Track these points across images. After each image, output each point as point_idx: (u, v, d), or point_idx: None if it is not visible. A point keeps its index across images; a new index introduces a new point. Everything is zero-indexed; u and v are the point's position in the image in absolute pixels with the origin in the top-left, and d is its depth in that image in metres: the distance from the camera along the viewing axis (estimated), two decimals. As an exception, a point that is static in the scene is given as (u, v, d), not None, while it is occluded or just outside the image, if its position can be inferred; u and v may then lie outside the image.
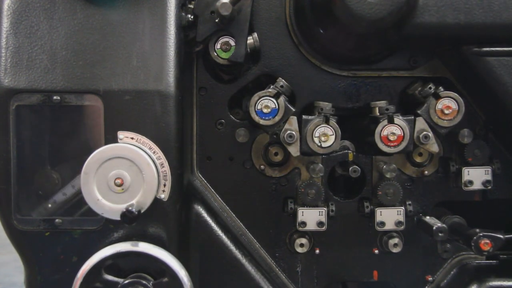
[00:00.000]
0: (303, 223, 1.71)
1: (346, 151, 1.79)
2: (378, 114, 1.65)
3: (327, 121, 1.60)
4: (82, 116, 1.55)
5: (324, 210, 1.72)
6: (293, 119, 1.61)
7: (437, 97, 1.64)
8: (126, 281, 1.50)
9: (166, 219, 1.57)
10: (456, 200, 1.85)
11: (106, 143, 1.52)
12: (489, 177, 1.76)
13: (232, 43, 1.65)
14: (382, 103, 1.66)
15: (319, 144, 1.60)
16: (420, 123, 1.63)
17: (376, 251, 1.84)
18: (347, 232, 1.84)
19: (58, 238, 1.57)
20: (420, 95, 1.69)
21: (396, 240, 1.77)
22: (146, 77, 1.54)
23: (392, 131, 1.61)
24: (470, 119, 1.78)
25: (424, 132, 1.62)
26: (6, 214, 1.56)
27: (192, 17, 1.63)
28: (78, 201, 1.55)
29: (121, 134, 1.53)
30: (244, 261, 1.77)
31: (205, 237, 1.75)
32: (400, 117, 1.62)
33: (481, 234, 1.65)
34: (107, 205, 1.49)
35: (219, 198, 1.82)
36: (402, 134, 1.61)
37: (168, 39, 1.55)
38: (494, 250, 1.66)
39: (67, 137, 1.56)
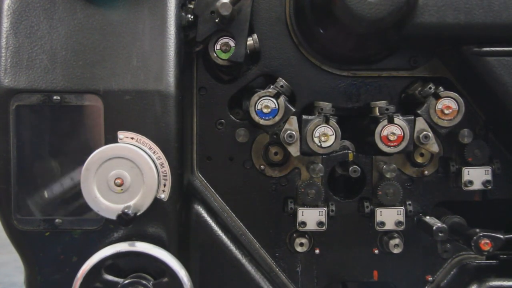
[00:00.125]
0: (303, 223, 1.71)
1: (346, 151, 1.79)
2: (378, 114, 1.65)
3: (327, 121, 1.60)
4: (82, 116, 1.55)
5: (324, 210, 1.72)
6: (293, 119, 1.61)
7: (437, 97, 1.64)
8: (126, 281, 1.50)
9: (166, 219, 1.57)
10: (456, 200, 1.85)
11: (106, 143, 1.52)
12: (489, 177, 1.76)
13: (232, 44, 1.65)
14: (382, 103, 1.66)
15: (319, 144, 1.60)
16: (420, 123, 1.63)
17: (376, 251, 1.84)
18: (347, 232, 1.84)
19: (58, 238, 1.57)
20: (420, 95, 1.69)
21: (397, 241, 1.77)
22: (146, 77, 1.54)
23: (392, 131, 1.61)
24: (470, 119, 1.78)
25: (424, 132, 1.62)
26: (6, 214, 1.56)
27: (192, 17, 1.63)
28: (78, 201, 1.55)
29: (121, 134, 1.53)
30: (244, 261, 1.77)
31: (205, 237, 1.75)
32: (400, 117, 1.62)
33: (481, 234, 1.65)
34: (107, 205, 1.50)
35: (219, 198, 1.82)
36: (402, 134, 1.61)
37: (168, 39, 1.55)
38: (494, 250, 1.66)
39: (67, 137, 1.56)
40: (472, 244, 1.66)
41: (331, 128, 1.60)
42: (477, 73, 1.64)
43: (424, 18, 1.57)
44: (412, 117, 1.63)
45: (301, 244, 1.78)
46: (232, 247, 1.76)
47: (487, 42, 1.61)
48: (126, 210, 1.46)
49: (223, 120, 1.80)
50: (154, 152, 1.54)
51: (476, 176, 1.76)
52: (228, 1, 1.54)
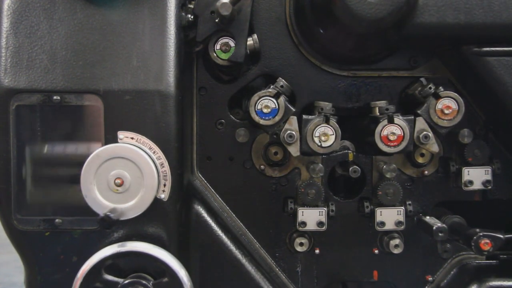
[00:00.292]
0: (303, 223, 1.71)
1: (346, 151, 1.79)
2: (378, 114, 1.65)
3: (327, 121, 1.60)
4: (82, 116, 1.55)
5: (324, 210, 1.72)
6: (293, 119, 1.61)
7: (437, 97, 1.64)
8: (126, 281, 1.50)
9: (166, 219, 1.57)
10: (456, 200, 1.85)
11: (106, 143, 1.52)
12: (489, 177, 1.76)
13: (232, 44, 1.64)
14: (382, 103, 1.66)
15: (319, 144, 1.60)
16: (420, 123, 1.63)
17: (376, 251, 1.84)
18: (347, 232, 1.84)
19: (58, 238, 1.57)
20: (420, 95, 1.69)
21: (397, 241, 1.77)
22: (146, 77, 1.54)
23: (392, 131, 1.61)
24: (470, 119, 1.78)
25: (424, 132, 1.62)
26: (6, 214, 1.56)
27: (192, 17, 1.62)
28: (78, 201, 1.55)
29: (121, 134, 1.53)
30: (244, 261, 1.77)
31: (205, 237, 1.75)
32: (400, 117, 1.62)
33: (481, 234, 1.65)
34: (107, 205, 1.49)
35: (219, 198, 1.82)
36: (402, 134, 1.61)
37: (168, 39, 1.55)
38: (494, 250, 1.66)
39: (67, 137, 1.56)
40: (472, 244, 1.66)
41: (331, 128, 1.60)
42: (477, 73, 1.64)
43: (424, 18, 1.57)
44: (412, 117, 1.63)
45: (301, 244, 1.78)
46: (232, 247, 1.76)
47: (487, 42, 1.61)
48: (109, 213, 1.45)
49: (223, 120, 1.80)
50: (154, 152, 1.54)
51: (476, 176, 1.76)
52: (228, 1, 1.54)
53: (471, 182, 1.76)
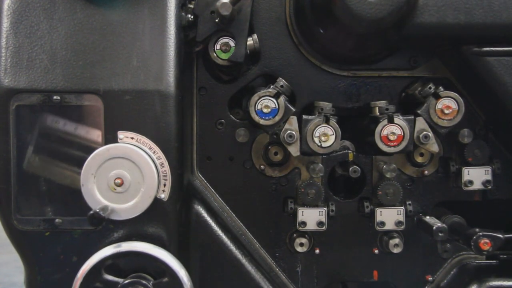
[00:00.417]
0: (303, 223, 1.71)
1: (346, 151, 1.79)
2: (378, 114, 1.65)
3: (327, 121, 1.60)
4: (82, 116, 1.55)
5: (324, 210, 1.72)
6: (293, 119, 1.61)
7: (437, 97, 1.64)
8: (126, 281, 1.50)
9: (166, 219, 1.57)
10: (456, 200, 1.85)
11: (106, 143, 1.52)
12: (489, 177, 1.76)
13: (232, 44, 1.64)
14: (382, 103, 1.66)
15: (319, 144, 1.60)
16: (420, 123, 1.63)
17: (376, 251, 1.84)
18: (347, 232, 1.84)
19: (58, 238, 1.57)
20: (420, 95, 1.69)
21: (396, 241, 1.77)
22: (146, 77, 1.54)
23: (392, 131, 1.61)
24: (470, 119, 1.78)
25: (424, 132, 1.62)
26: (6, 214, 1.56)
27: (192, 17, 1.63)
28: (78, 201, 1.55)
29: (121, 134, 1.53)
30: (244, 261, 1.77)
31: (205, 237, 1.75)
32: (400, 117, 1.62)
33: (480, 234, 1.66)
34: (107, 205, 1.49)
35: (219, 198, 1.82)
36: (402, 134, 1.61)
37: (168, 39, 1.55)
38: (494, 249, 1.66)
39: (67, 137, 1.56)
40: (472, 243, 1.66)
41: (331, 128, 1.60)
42: (477, 73, 1.64)
43: (424, 18, 1.57)
44: (412, 117, 1.63)
45: (301, 244, 1.78)
46: (232, 247, 1.76)
47: (487, 42, 1.61)
48: (98, 211, 1.45)
49: (223, 120, 1.80)
50: (154, 152, 1.54)
51: (476, 176, 1.76)
52: (228, 1, 1.54)
53: (471, 182, 1.76)
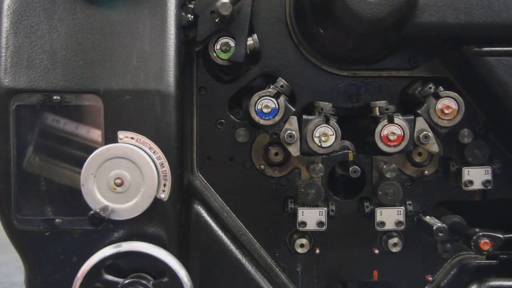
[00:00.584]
0: (303, 223, 1.71)
1: (346, 151, 1.79)
2: (378, 114, 1.65)
3: (327, 121, 1.60)
4: (82, 116, 1.55)
5: (324, 210, 1.72)
6: (293, 119, 1.61)
7: (437, 97, 1.64)
8: (126, 281, 1.50)
9: (166, 219, 1.57)
10: (456, 200, 1.85)
11: (106, 143, 1.52)
12: (489, 177, 1.76)
13: (232, 44, 1.64)
14: (382, 103, 1.66)
15: (319, 144, 1.60)
16: (420, 123, 1.63)
17: (376, 251, 1.84)
18: (347, 232, 1.84)
19: (58, 238, 1.57)
20: (420, 95, 1.69)
21: (395, 240, 1.77)
22: (146, 77, 1.54)
23: (392, 131, 1.61)
24: (470, 119, 1.78)
25: (424, 132, 1.62)
26: (6, 214, 1.56)
27: (192, 17, 1.62)
28: (78, 201, 1.55)
29: (121, 134, 1.53)
30: (244, 261, 1.77)
31: (205, 237, 1.75)
32: (400, 117, 1.62)
33: (480, 234, 1.65)
34: (107, 205, 1.49)
35: (219, 198, 1.82)
36: (402, 134, 1.61)
37: (168, 39, 1.55)
38: (494, 249, 1.66)
39: (67, 137, 1.56)
40: (472, 243, 1.66)
41: (331, 128, 1.60)
42: (477, 73, 1.64)
43: (424, 18, 1.57)
44: (412, 117, 1.63)
45: (302, 245, 1.78)
46: (232, 247, 1.76)
47: (487, 42, 1.61)
48: (99, 211, 1.45)
49: (223, 120, 1.80)
50: (154, 152, 1.54)
51: (476, 176, 1.76)
52: (228, 1, 1.54)
53: (471, 182, 1.76)
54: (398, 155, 1.79)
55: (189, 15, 1.62)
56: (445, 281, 1.87)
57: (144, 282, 1.50)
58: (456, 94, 1.64)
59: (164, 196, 1.56)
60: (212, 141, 1.80)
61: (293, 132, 1.59)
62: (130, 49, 1.54)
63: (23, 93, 1.52)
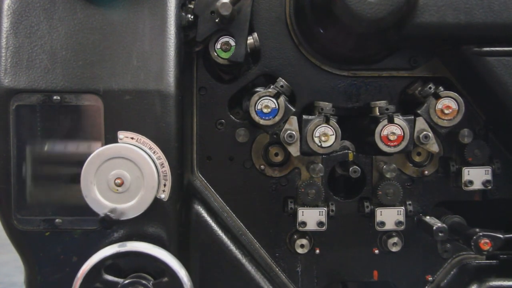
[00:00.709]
0: (303, 223, 1.71)
1: (346, 151, 1.79)
2: (378, 114, 1.65)
3: (327, 121, 1.60)
4: (82, 116, 1.55)
5: (324, 210, 1.72)
6: (293, 119, 1.61)
7: (437, 97, 1.64)
8: (126, 281, 1.50)
9: (166, 219, 1.57)
10: (456, 200, 1.85)
11: (106, 143, 1.52)
12: (489, 177, 1.76)
13: (232, 43, 1.65)
14: (382, 103, 1.66)
15: (319, 144, 1.60)
16: (420, 123, 1.63)
17: (376, 251, 1.84)
18: (347, 232, 1.84)
19: (58, 238, 1.57)
20: (420, 95, 1.69)
21: (395, 239, 1.77)
22: (146, 77, 1.54)
23: (392, 131, 1.61)
24: (470, 119, 1.78)
25: (424, 132, 1.62)
26: (6, 214, 1.56)
27: (192, 17, 1.63)
28: (78, 201, 1.55)
29: (121, 134, 1.53)
30: (244, 261, 1.77)
31: (205, 237, 1.75)
32: (400, 117, 1.62)
33: (480, 234, 1.65)
34: (107, 205, 1.49)
35: (219, 198, 1.82)
36: (402, 134, 1.61)
37: (168, 39, 1.55)
38: (494, 249, 1.66)
39: (67, 137, 1.56)
40: (472, 243, 1.66)
41: (331, 128, 1.60)
42: (477, 73, 1.64)
43: (424, 18, 1.57)
44: (412, 117, 1.63)
45: (302, 246, 1.78)
46: (232, 247, 1.76)
47: (487, 42, 1.61)
48: (109, 213, 1.45)
49: (223, 120, 1.80)
50: (154, 152, 1.54)
51: (476, 176, 1.76)
52: (228, 1, 1.54)
53: (471, 182, 1.76)
54: (398, 155, 1.79)
55: (189, 15, 1.62)
56: (445, 281, 1.87)
57: (144, 282, 1.50)
58: (456, 94, 1.64)
59: (164, 196, 1.56)
60: (212, 141, 1.80)
61: (293, 132, 1.59)
62: (130, 49, 1.54)
63: (23, 93, 1.52)
